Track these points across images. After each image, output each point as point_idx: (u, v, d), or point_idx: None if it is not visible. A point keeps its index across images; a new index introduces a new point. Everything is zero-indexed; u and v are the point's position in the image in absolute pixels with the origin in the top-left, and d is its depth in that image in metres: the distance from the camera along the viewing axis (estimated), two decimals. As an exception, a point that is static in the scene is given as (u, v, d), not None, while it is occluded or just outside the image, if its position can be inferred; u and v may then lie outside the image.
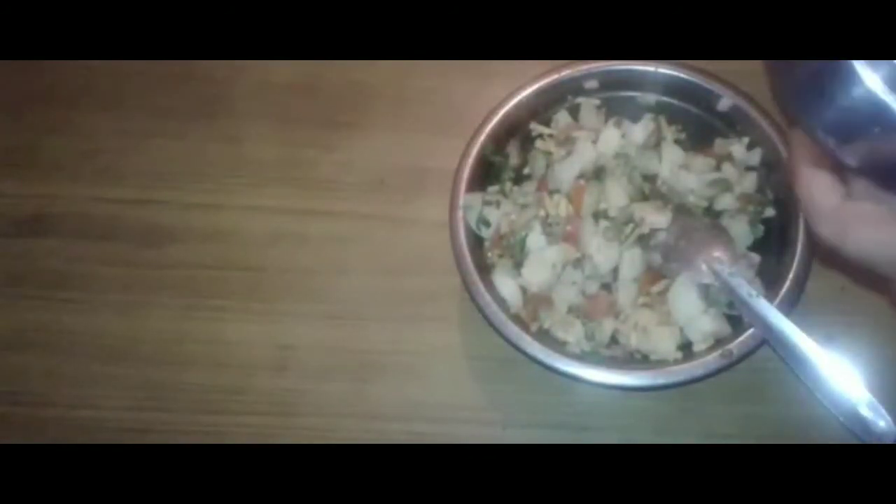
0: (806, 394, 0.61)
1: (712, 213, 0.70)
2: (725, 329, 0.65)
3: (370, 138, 0.78)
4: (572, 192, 0.69)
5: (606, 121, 0.72)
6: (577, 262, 0.67)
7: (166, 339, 0.71)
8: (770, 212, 0.70)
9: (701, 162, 0.71)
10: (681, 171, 0.70)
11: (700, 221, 0.69)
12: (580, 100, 0.73)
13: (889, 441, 0.58)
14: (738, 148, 0.71)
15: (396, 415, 0.69)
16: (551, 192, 0.70)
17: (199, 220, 0.75)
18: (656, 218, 0.68)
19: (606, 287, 0.68)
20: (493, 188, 0.71)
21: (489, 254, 0.69)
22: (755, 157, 0.71)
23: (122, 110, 0.79)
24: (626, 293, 0.67)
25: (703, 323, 0.65)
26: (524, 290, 0.67)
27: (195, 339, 0.71)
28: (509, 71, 0.73)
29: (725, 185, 0.70)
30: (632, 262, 0.67)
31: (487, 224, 0.69)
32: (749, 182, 0.70)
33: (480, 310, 0.65)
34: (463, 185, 0.68)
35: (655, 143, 0.71)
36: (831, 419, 0.60)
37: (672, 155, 0.71)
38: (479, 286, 0.66)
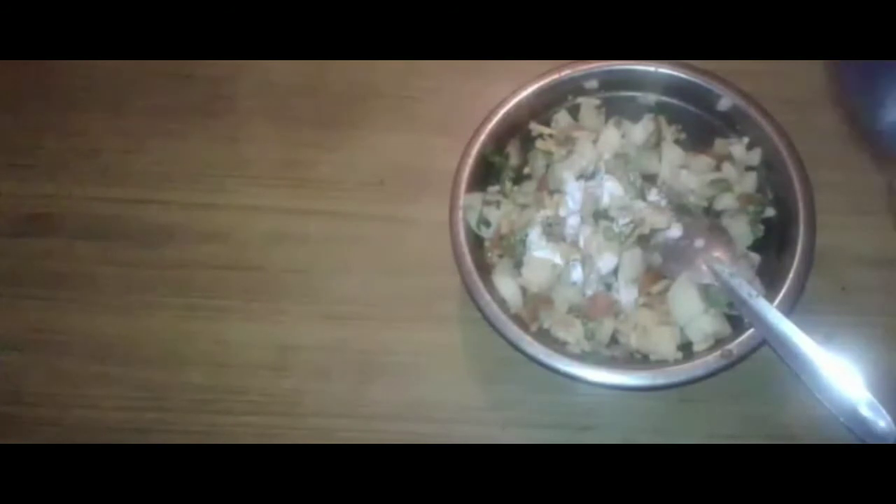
0: (806, 394, 0.61)
1: (712, 213, 0.70)
2: (725, 329, 0.65)
3: (370, 138, 0.78)
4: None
5: (606, 121, 0.72)
6: (577, 262, 0.67)
7: (166, 339, 0.71)
8: (770, 212, 0.70)
9: (701, 162, 0.71)
10: (681, 171, 0.70)
11: (700, 221, 0.69)
12: (580, 100, 0.73)
13: (889, 441, 0.58)
14: (738, 148, 0.71)
15: (396, 415, 0.69)
16: (551, 192, 0.69)
17: (199, 220, 0.75)
18: (656, 218, 0.68)
19: (606, 287, 0.68)
20: (493, 188, 0.71)
21: (489, 254, 0.69)
22: (755, 157, 0.71)
23: (122, 110, 0.79)
24: (626, 293, 0.67)
25: (703, 323, 0.65)
26: (524, 290, 0.67)
27: (195, 339, 0.71)
28: (509, 71, 0.73)
29: (725, 185, 0.70)
30: (632, 262, 0.67)
31: (487, 224, 0.69)
32: (749, 182, 0.70)
33: (480, 310, 0.65)
34: (463, 185, 0.68)
35: (655, 143, 0.71)
36: (831, 419, 0.60)
37: (672, 155, 0.71)
38: (479, 286, 0.66)
